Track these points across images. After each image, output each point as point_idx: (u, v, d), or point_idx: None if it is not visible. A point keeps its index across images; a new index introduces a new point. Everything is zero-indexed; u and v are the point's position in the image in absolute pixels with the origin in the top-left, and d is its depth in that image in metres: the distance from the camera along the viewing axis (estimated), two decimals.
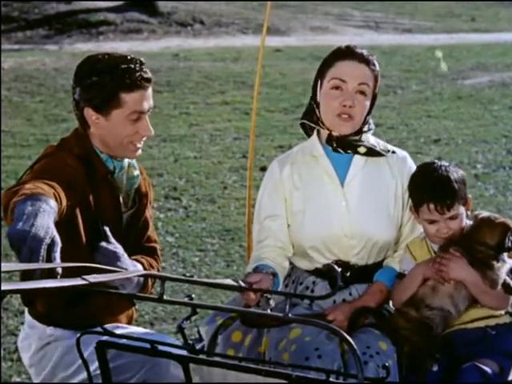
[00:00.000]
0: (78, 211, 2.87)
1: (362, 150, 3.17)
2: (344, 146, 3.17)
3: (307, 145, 3.26)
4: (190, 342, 2.36)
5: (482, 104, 10.87)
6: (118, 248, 2.94)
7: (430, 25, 19.39)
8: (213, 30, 17.63)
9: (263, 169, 7.78)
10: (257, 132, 3.89)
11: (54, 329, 3.03)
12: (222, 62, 13.94)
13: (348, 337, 2.04)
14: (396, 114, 10.24)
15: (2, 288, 1.89)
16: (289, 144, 8.80)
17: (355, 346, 2.02)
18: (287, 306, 2.11)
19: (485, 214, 3.12)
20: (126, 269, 2.88)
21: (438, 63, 13.60)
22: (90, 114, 2.97)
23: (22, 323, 3.26)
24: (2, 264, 1.94)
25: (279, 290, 3.10)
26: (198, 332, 3.32)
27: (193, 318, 2.29)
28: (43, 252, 2.22)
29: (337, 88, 3.11)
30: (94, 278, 2.07)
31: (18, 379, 4.35)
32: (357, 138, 3.18)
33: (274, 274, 3.05)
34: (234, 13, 18.77)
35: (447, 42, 16.33)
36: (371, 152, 3.18)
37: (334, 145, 3.17)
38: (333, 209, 3.15)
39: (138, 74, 2.93)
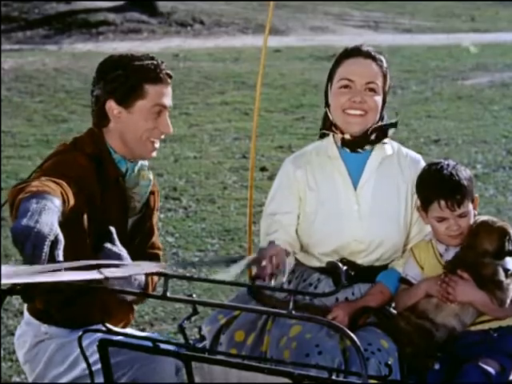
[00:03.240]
0: (84, 211, 2.87)
1: (372, 136, 3.15)
2: (359, 144, 3.15)
3: (322, 145, 3.24)
4: (191, 341, 2.35)
5: (482, 104, 10.86)
6: (122, 251, 2.93)
7: (429, 25, 19.40)
8: (213, 30, 17.64)
9: (263, 169, 7.78)
10: (256, 132, 3.89)
11: (49, 327, 3.03)
12: (221, 62, 13.94)
13: (352, 334, 2.04)
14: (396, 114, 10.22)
15: (16, 280, 1.88)
16: (288, 144, 8.80)
17: (359, 343, 2.02)
18: (291, 303, 2.10)
19: (483, 218, 3.11)
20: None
21: (438, 63, 13.61)
22: (112, 107, 2.99)
23: None
24: (2, 266, 1.93)
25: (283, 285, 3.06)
26: (199, 332, 3.30)
27: (193, 318, 2.29)
28: (46, 249, 2.22)
29: (346, 87, 3.12)
30: (110, 273, 2.05)
31: (17, 379, 4.35)
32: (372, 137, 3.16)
33: (287, 253, 2.97)
34: (234, 13, 18.78)
35: (447, 42, 16.33)
36: (381, 132, 3.16)
37: (349, 147, 3.15)
38: (344, 214, 3.13)
39: (161, 68, 3.01)
